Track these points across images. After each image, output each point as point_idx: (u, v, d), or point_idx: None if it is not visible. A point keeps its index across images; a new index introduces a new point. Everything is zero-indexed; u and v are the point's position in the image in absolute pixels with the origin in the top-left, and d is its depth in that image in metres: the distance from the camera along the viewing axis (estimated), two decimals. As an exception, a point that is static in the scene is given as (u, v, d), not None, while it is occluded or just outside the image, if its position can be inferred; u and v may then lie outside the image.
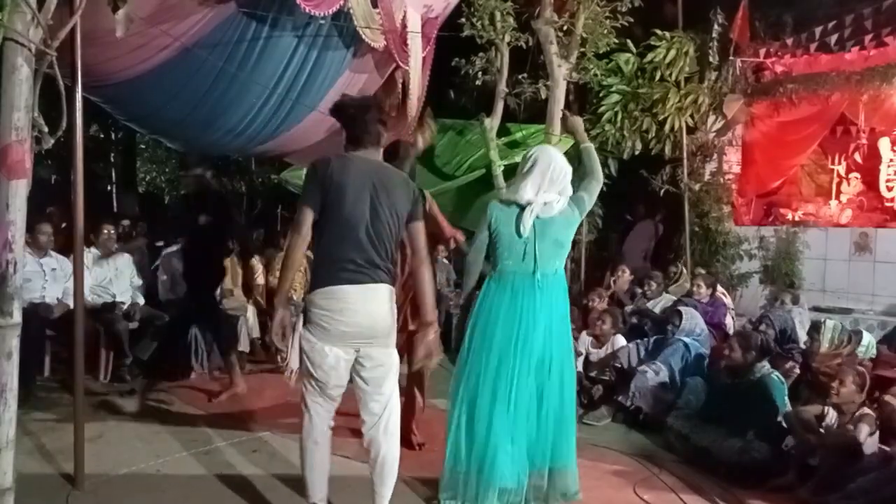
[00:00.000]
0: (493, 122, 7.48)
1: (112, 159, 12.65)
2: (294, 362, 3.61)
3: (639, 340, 5.18)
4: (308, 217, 2.69)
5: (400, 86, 5.65)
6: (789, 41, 7.58)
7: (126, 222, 6.50)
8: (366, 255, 2.70)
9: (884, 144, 7.85)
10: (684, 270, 6.84)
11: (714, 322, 5.73)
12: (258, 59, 4.50)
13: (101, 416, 4.38)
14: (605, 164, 8.18)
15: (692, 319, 5.12)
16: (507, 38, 7.22)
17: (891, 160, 7.81)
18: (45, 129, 2.72)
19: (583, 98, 8.30)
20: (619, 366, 4.99)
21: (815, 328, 4.39)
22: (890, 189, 7.85)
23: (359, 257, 2.69)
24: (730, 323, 5.99)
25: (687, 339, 4.96)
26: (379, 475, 2.84)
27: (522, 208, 3.17)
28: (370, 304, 2.72)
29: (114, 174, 12.70)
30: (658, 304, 5.99)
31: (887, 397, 3.83)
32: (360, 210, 2.70)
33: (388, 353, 2.82)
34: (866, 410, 3.55)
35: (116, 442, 3.94)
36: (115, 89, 4.36)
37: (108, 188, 12.55)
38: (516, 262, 3.18)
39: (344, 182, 2.70)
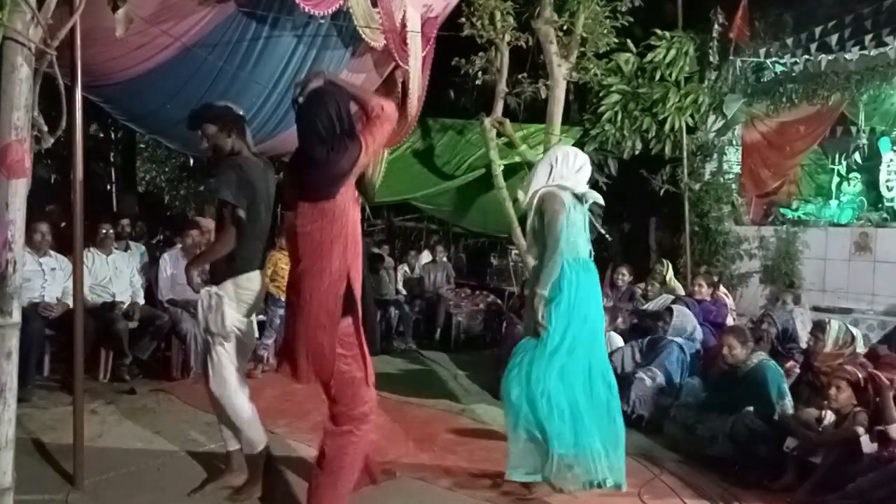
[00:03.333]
0: (493, 122, 7.48)
1: (112, 159, 12.64)
2: None
3: (633, 342, 5.19)
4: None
5: (400, 85, 5.66)
6: (789, 41, 7.57)
7: (125, 221, 6.47)
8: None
9: (884, 144, 7.85)
10: (667, 269, 6.80)
11: (717, 321, 5.73)
12: (258, 58, 4.51)
13: (100, 415, 4.38)
14: (605, 164, 8.21)
15: (684, 318, 5.12)
16: (507, 38, 7.21)
17: (891, 160, 7.81)
18: (45, 129, 2.72)
19: (583, 98, 8.31)
20: (612, 369, 4.99)
21: (818, 328, 4.39)
22: (890, 189, 7.85)
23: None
24: (730, 323, 5.98)
25: (679, 340, 4.96)
26: None
27: (577, 198, 3.39)
28: None
29: (113, 174, 12.69)
30: (656, 304, 5.99)
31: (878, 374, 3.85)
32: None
33: None
34: (860, 409, 3.56)
35: (116, 442, 3.94)
36: (115, 89, 4.36)
37: (108, 188, 12.55)
38: (585, 248, 3.39)
39: (259, 183, 3.15)
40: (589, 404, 3.32)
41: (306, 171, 2.71)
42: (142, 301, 5.61)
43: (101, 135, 12.05)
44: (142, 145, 13.21)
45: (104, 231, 5.51)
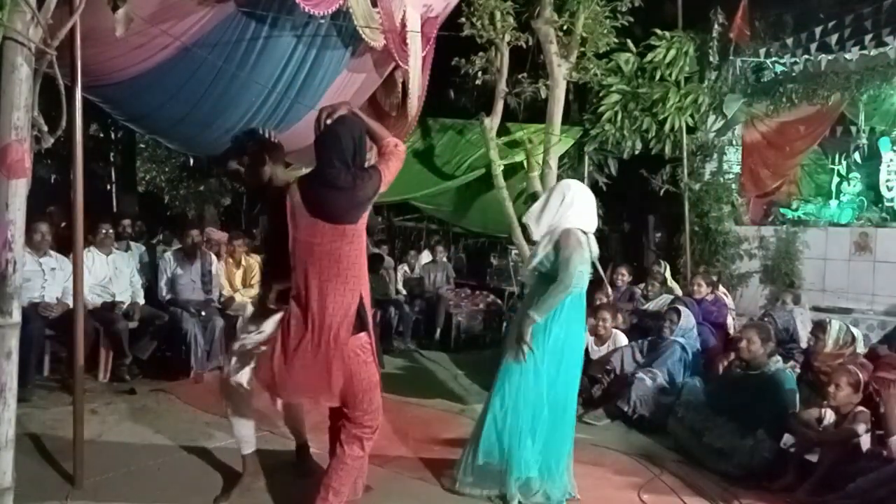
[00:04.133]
0: (493, 122, 7.48)
1: (112, 159, 12.64)
2: None
3: (633, 343, 5.19)
4: None
5: (400, 85, 5.65)
6: (789, 41, 7.57)
7: (127, 221, 6.47)
8: None
9: (884, 144, 7.85)
10: (665, 269, 6.81)
11: (717, 321, 5.74)
12: (257, 58, 4.51)
13: (100, 415, 4.38)
14: (605, 164, 8.21)
15: (688, 318, 5.13)
16: (507, 38, 7.21)
17: (891, 160, 7.82)
18: (45, 129, 2.72)
19: (583, 98, 8.31)
20: (611, 369, 5.00)
21: (819, 328, 4.38)
22: (890, 189, 7.85)
23: None
24: (731, 322, 5.99)
25: (682, 340, 4.97)
26: None
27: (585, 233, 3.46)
28: None
29: (113, 174, 12.69)
30: (657, 304, 6.00)
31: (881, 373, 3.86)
32: None
33: None
34: (861, 408, 3.57)
35: (116, 441, 3.94)
36: (115, 89, 4.36)
37: (108, 188, 12.54)
38: (587, 281, 3.45)
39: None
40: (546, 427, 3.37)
41: (330, 194, 2.75)
42: (142, 301, 5.62)
43: (101, 135, 12.04)
44: (142, 145, 13.19)
45: (104, 231, 5.51)
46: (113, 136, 12.18)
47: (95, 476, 3.34)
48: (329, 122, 2.80)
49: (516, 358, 3.33)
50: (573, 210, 3.41)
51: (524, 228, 7.20)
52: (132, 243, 6.29)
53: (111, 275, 5.46)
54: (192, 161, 12.46)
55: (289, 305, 2.83)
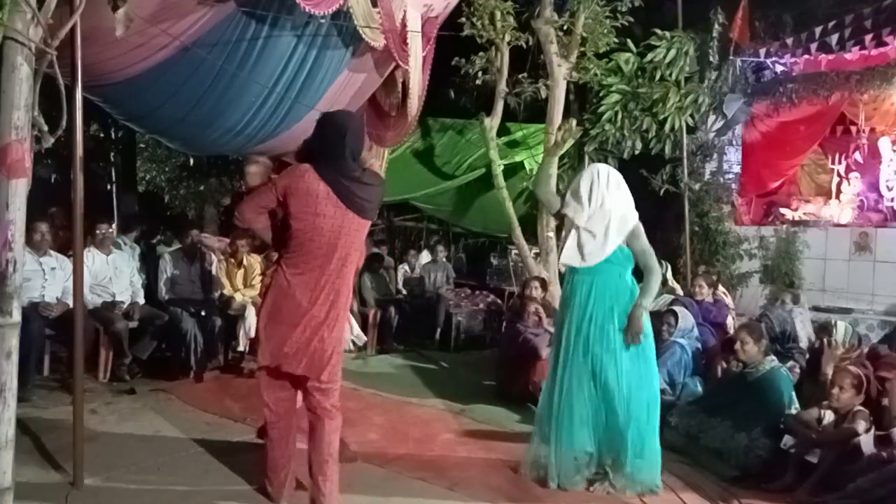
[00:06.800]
0: (493, 122, 7.48)
1: (112, 158, 12.63)
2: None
3: None
4: None
5: (400, 85, 5.65)
6: (789, 41, 7.57)
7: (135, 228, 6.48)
8: None
9: (884, 144, 7.85)
10: (666, 270, 6.81)
11: (717, 321, 5.73)
12: (257, 58, 4.50)
13: (100, 415, 4.39)
14: (605, 163, 8.19)
15: (685, 319, 5.12)
16: (507, 38, 7.21)
17: (891, 160, 7.82)
18: (45, 128, 2.72)
19: (583, 98, 8.31)
20: None
21: (824, 330, 4.38)
22: (890, 189, 7.85)
23: None
24: (731, 322, 5.98)
25: (682, 340, 4.97)
26: None
27: None
28: None
29: (114, 173, 12.68)
30: (657, 304, 5.98)
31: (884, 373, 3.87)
32: None
33: None
34: (861, 408, 3.57)
35: (116, 441, 3.94)
36: (115, 88, 4.35)
37: (108, 187, 12.53)
38: None
39: None
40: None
41: (365, 189, 2.97)
42: (142, 301, 5.62)
43: (102, 135, 12.02)
44: (142, 145, 13.19)
45: (104, 231, 5.51)
46: (113, 135, 12.16)
47: (95, 476, 3.34)
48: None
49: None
50: (624, 192, 3.57)
51: (523, 227, 7.26)
52: (124, 239, 6.27)
53: (111, 275, 5.47)
54: (192, 161, 12.45)
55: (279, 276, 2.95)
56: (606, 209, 3.50)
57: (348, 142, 2.91)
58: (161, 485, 3.39)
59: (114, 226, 6.42)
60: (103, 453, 3.65)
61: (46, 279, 5.02)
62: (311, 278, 2.91)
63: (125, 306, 5.42)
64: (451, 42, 6.33)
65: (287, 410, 3.15)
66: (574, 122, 3.71)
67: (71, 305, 3.83)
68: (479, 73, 7.52)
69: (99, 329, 5.14)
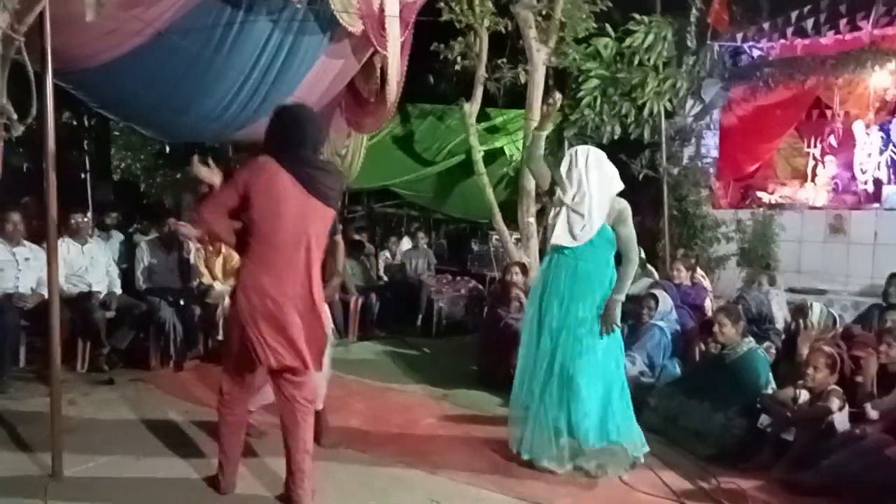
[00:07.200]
0: (472, 108, 7.46)
1: (85, 146, 12.40)
2: None
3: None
4: None
5: (378, 71, 5.62)
6: (766, 25, 7.63)
7: (115, 214, 6.38)
8: None
9: (858, 128, 7.97)
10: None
11: (695, 304, 5.80)
12: (233, 43, 4.45)
13: (79, 406, 4.34)
14: (585, 146, 8.22)
15: (665, 301, 5.18)
16: (486, 23, 7.18)
17: (865, 143, 7.93)
18: (15, 116, 2.67)
19: (562, 82, 8.30)
20: None
21: (800, 311, 4.45)
22: (864, 172, 7.97)
23: None
24: (709, 305, 6.06)
25: (661, 323, 5.02)
26: None
27: None
28: None
29: (87, 162, 12.47)
30: (636, 288, 6.03)
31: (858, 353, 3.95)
32: None
33: None
34: (835, 386, 3.65)
35: (94, 432, 3.91)
36: (87, 75, 4.28)
37: (82, 176, 12.32)
38: None
39: None
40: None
41: (328, 177, 2.96)
42: (119, 290, 5.55)
43: (74, 122, 11.81)
44: (116, 133, 12.97)
45: (78, 220, 5.43)
46: (86, 123, 11.95)
47: (75, 467, 3.32)
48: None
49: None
50: (607, 169, 3.57)
51: (504, 213, 7.28)
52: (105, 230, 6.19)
53: (87, 264, 5.39)
54: (168, 148, 12.28)
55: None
56: (584, 189, 3.53)
57: (308, 132, 2.91)
58: (142, 475, 3.37)
59: (89, 214, 6.30)
60: (82, 444, 3.62)
61: (20, 270, 4.94)
62: (279, 271, 2.85)
63: (102, 296, 5.35)
64: (429, 27, 6.30)
65: (241, 403, 3.11)
66: (559, 95, 3.70)
67: (46, 296, 3.78)
68: (459, 59, 7.49)
69: (76, 319, 5.08)
